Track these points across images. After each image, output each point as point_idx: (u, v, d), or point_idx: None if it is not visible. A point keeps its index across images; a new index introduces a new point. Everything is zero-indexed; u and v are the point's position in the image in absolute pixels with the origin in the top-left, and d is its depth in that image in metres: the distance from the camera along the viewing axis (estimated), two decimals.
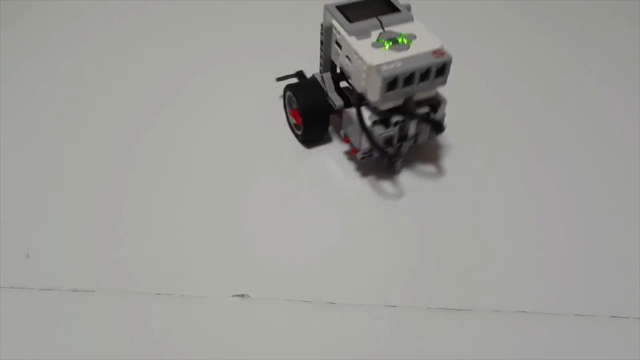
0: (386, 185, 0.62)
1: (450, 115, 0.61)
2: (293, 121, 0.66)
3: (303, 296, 0.52)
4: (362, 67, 0.54)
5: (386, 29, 0.57)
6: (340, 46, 0.58)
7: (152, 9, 0.88)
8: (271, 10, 0.88)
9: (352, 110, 0.57)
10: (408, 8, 0.59)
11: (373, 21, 0.57)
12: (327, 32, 0.58)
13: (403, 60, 0.53)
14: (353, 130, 0.58)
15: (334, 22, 0.57)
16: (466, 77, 0.67)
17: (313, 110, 0.62)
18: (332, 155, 0.65)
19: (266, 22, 0.85)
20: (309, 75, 0.67)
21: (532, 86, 0.76)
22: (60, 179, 0.63)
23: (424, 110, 0.57)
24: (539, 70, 0.78)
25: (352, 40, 0.56)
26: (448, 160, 0.64)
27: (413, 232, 0.58)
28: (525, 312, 0.51)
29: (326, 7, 0.59)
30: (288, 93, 0.65)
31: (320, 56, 0.61)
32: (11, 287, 0.52)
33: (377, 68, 0.52)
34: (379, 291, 0.52)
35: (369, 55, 0.54)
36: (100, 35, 0.84)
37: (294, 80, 0.68)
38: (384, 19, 0.57)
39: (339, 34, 0.57)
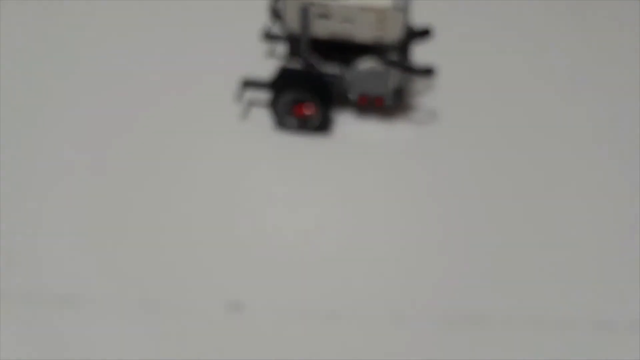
0: (397, 184, 0.61)
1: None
2: (296, 120, 0.63)
3: (302, 306, 0.49)
4: (375, 17, 0.56)
5: None
6: (327, 16, 0.57)
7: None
8: None
9: (368, 63, 0.59)
10: None
11: None
12: (304, 14, 0.57)
13: None
14: (376, 79, 0.60)
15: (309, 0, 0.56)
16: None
17: (325, 89, 0.61)
18: (322, 147, 0.63)
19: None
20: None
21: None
22: (40, 179, 0.60)
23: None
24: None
25: (343, 2, 0.56)
26: (460, 161, 0.63)
27: (419, 235, 0.57)
28: (540, 321, 0.48)
29: None
30: (288, 96, 0.61)
31: (303, 42, 0.59)
32: None
33: (394, 7, 0.56)
34: (386, 299, 0.51)
35: (375, 2, 0.56)
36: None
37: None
38: None
39: (324, 6, 0.57)
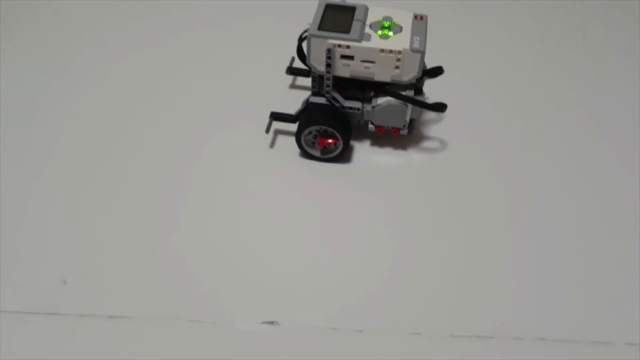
0: (410, 207, 0.64)
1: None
2: (319, 149, 0.67)
3: (329, 323, 0.53)
4: (395, 57, 0.60)
5: (367, 22, 0.62)
6: (351, 57, 0.61)
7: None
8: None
9: (386, 99, 0.63)
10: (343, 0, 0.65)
11: (355, 23, 0.62)
12: (329, 54, 0.60)
13: (412, 33, 0.61)
14: (393, 113, 0.64)
15: (334, 42, 0.60)
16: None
17: (344, 120, 0.65)
18: (340, 169, 0.67)
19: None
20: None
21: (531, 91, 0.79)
22: (93, 205, 0.62)
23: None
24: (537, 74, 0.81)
25: (365, 44, 0.60)
26: (469, 187, 0.67)
27: (430, 255, 0.60)
28: (544, 339, 0.51)
29: (312, 35, 0.60)
30: (307, 132, 0.65)
31: (327, 79, 0.62)
32: (48, 314, 0.53)
33: (411, 49, 0.60)
34: (402, 317, 0.55)
35: (394, 44, 0.60)
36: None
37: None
38: (357, 17, 0.62)
39: (347, 47, 0.60)
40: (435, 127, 0.71)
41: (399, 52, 0.59)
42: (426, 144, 0.69)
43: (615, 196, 0.65)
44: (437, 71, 0.65)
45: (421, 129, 0.71)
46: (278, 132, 0.70)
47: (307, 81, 0.72)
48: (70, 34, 0.85)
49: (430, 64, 0.65)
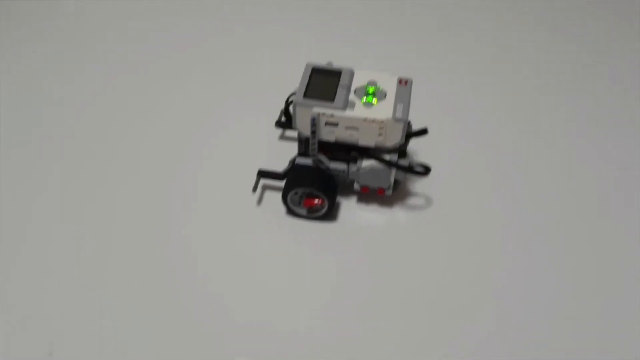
0: (395, 265, 0.65)
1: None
2: (305, 210, 0.67)
3: None
4: (378, 126, 0.60)
5: (352, 88, 0.63)
6: (335, 124, 0.61)
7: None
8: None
9: (371, 162, 0.64)
10: (330, 63, 0.66)
11: (340, 90, 0.62)
12: (313, 122, 0.61)
13: (396, 101, 0.62)
14: (377, 176, 0.64)
15: (319, 110, 0.61)
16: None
17: (330, 182, 0.65)
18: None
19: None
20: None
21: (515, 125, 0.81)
22: (82, 272, 0.62)
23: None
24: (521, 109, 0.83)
25: (349, 113, 0.61)
26: (452, 246, 0.67)
27: (416, 317, 0.61)
28: None
29: (297, 104, 0.61)
30: (294, 192, 0.66)
31: (313, 143, 0.63)
32: None
33: (394, 119, 0.60)
34: None
35: (377, 113, 0.61)
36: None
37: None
38: (342, 83, 0.63)
39: (332, 115, 0.61)
40: (421, 184, 0.72)
41: (382, 122, 0.60)
42: (412, 201, 0.70)
43: (614, 256, 0.65)
44: (421, 132, 0.66)
45: (407, 184, 0.71)
46: (266, 187, 0.71)
47: (296, 133, 0.72)
48: (72, 40, 0.87)
49: (418, 115, 0.66)
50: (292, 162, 0.67)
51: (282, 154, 0.74)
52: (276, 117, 0.77)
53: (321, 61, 0.82)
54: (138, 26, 0.96)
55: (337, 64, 0.67)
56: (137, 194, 0.70)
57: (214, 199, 0.70)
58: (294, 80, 0.68)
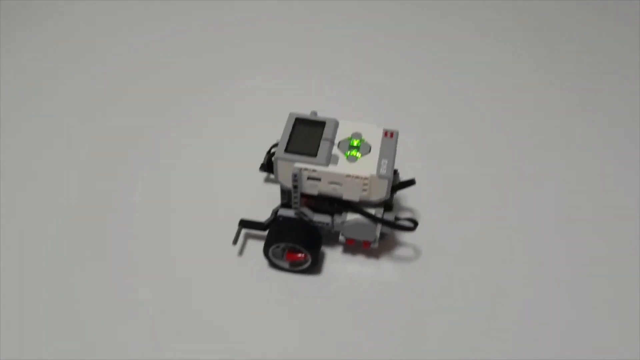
0: (380, 320, 0.62)
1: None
2: (288, 263, 0.65)
3: None
4: (362, 182, 0.58)
5: (336, 141, 0.61)
6: (318, 179, 0.59)
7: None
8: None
9: (356, 216, 0.61)
10: (314, 113, 0.64)
11: (324, 143, 0.60)
12: (295, 177, 0.58)
13: (381, 155, 0.59)
14: (362, 230, 0.62)
15: (300, 165, 0.58)
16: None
17: (313, 236, 0.63)
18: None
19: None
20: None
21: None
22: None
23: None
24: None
25: (332, 169, 0.58)
26: (439, 301, 0.64)
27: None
28: None
29: (278, 158, 0.59)
30: (275, 246, 0.63)
31: (295, 197, 0.61)
32: None
33: (378, 175, 0.58)
34: None
35: (361, 169, 0.58)
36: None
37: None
38: (325, 135, 0.60)
39: (314, 171, 0.58)
40: (409, 234, 0.69)
41: (365, 178, 0.57)
42: (400, 252, 0.67)
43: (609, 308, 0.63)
44: (408, 183, 0.64)
45: (395, 234, 0.69)
46: (249, 236, 0.68)
47: None
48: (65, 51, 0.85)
49: (405, 163, 0.63)
50: (275, 213, 0.64)
51: (267, 198, 0.71)
52: (261, 160, 0.75)
53: (306, 109, 0.80)
54: (111, 73, 0.94)
55: (322, 113, 0.65)
56: (101, 250, 0.67)
57: (192, 248, 0.67)
58: (279, 125, 0.66)
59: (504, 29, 1.03)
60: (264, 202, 0.70)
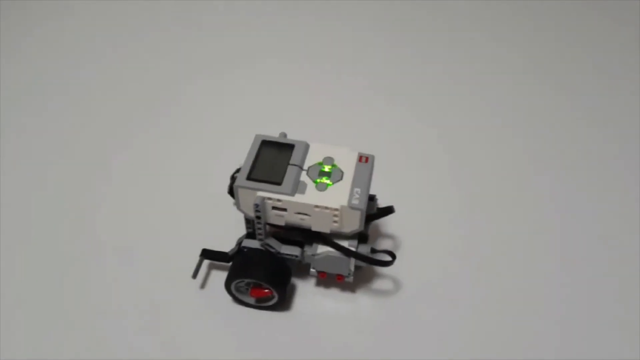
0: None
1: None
2: (253, 299, 0.59)
3: None
4: (332, 213, 0.52)
5: (305, 166, 0.55)
6: (284, 209, 0.53)
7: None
8: None
9: (327, 249, 0.56)
10: (284, 135, 0.58)
11: (291, 169, 0.54)
12: (257, 207, 0.52)
13: (353, 184, 0.53)
14: (334, 263, 0.56)
15: (263, 194, 0.52)
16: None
17: (281, 271, 0.57)
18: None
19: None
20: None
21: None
22: None
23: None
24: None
25: (298, 198, 0.52)
26: (421, 331, 0.58)
27: None
28: None
29: (239, 187, 0.53)
30: (238, 281, 0.57)
31: (259, 228, 0.55)
32: None
33: (350, 206, 0.52)
34: None
35: (331, 199, 0.52)
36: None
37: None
38: (293, 160, 0.54)
39: (279, 200, 0.52)
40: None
41: (336, 209, 0.51)
42: (377, 284, 0.61)
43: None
44: (386, 212, 0.58)
45: (371, 266, 0.63)
46: (212, 267, 0.62)
47: None
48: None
49: (383, 188, 0.58)
50: (239, 244, 0.58)
51: (239, 222, 0.65)
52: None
53: (289, 130, 0.74)
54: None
55: (296, 135, 0.59)
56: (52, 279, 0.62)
57: (149, 280, 0.61)
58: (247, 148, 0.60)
59: (494, 37, 0.98)
60: (235, 227, 0.64)
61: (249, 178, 0.52)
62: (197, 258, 0.62)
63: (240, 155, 0.62)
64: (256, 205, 0.51)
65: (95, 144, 0.77)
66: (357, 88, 0.87)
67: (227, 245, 0.62)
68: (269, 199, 0.52)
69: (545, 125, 0.81)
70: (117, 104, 0.83)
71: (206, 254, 0.60)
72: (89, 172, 0.73)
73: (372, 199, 0.60)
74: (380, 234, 0.66)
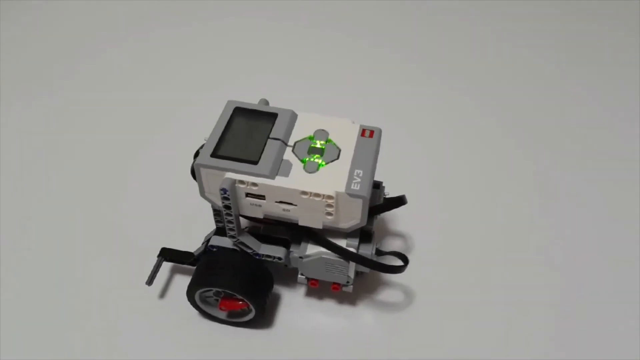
0: None
1: None
2: (224, 313, 0.47)
3: None
4: (325, 203, 0.39)
5: (290, 142, 0.41)
6: (261, 197, 0.40)
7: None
8: None
9: (318, 250, 0.43)
10: (265, 102, 0.45)
11: (271, 144, 0.41)
12: (225, 193, 0.39)
13: (354, 163, 0.40)
14: (329, 268, 0.43)
15: (233, 176, 0.39)
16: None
17: (262, 277, 0.44)
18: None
19: None
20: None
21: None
22: None
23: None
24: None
25: (280, 182, 0.39)
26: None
27: None
28: None
29: (200, 165, 0.39)
30: (204, 290, 0.44)
31: (229, 221, 0.42)
32: None
33: (349, 192, 0.38)
34: None
35: (322, 184, 0.39)
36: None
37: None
38: (275, 133, 0.41)
39: (254, 185, 0.39)
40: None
41: (330, 197, 0.38)
42: (383, 295, 0.48)
43: None
44: (397, 203, 0.45)
45: (376, 273, 0.50)
46: (175, 270, 0.50)
47: None
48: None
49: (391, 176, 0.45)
50: (206, 243, 0.45)
51: (207, 217, 0.53)
52: None
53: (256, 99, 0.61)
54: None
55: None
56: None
57: (96, 287, 0.48)
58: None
59: (499, 29, 0.84)
60: (202, 219, 0.52)
61: (214, 155, 0.39)
62: (154, 259, 0.49)
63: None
64: (223, 191, 0.38)
65: (50, 120, 0.64)
66: (370, 61, 0.74)
67: (195, 244, 0.50)
68: (241, 182, 0.39)
69: (569, 121, 0.68)
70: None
71: (166, 254, 0.47)
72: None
73: (377, 186, 0.47)
74: (387, 232, 0.53)
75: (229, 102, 0.43)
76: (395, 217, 0.54)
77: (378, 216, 0.47)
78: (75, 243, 0.51)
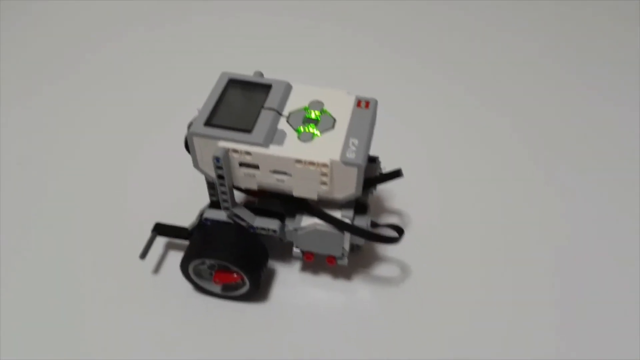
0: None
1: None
2: (220, 286, 0.46)
3: None
4: (319, 171, 0.39)
5: (284, 112, 0.41)
6: (254, 166, 0.40)
7: None
8: None
9: (313, 222, 0.42)
10: (259, 74, 0.44)
11: (265, 114, 0.40)
12: (218, 162, 0.39)
13: (349, 132, 0.40)
14: (324, 240, 0.43)
15: (226, 144, 0.39)
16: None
17: (253, 250, 0.44)
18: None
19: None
20: None
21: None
22: None
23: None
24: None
25: (274, 150, 0.39)
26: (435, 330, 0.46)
27: None
28: None
29: (194, 134, 0.39)
30: (199, 262, 0.44)
31: (223, 192, 0.41)
32: None
33: (343, 161, 0.38)
34: None
35: (317, 153, 0.39)
36: None
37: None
38: (269, 103, 0.41)
39: (247, 153, 0.39)
40: (394, 245, 0.50)
41: (324, 165, 0.38)
42: (380, 270, 0.48)
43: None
44: (393, 175, 0.44)
45: (373, 244, 0.50)
46: (169, 246, 0.49)
47: None
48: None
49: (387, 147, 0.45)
50: (200, 216, 0.45)
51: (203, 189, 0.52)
52: None
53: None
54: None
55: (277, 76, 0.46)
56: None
57: (93, 262, 0.48)
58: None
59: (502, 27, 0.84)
60: (197, 195, 0.51)
61: (207, 124, 0.39)
62: (148, 234, 0.48)
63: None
64: (217, 160, 0.38)
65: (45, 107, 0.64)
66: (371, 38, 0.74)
67: (188, 218, 0.50)
68: (235, 151, 0.38)
69: (572, 119, 0.68)
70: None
71: (160, 228, 0.47)
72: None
73: (373, 160, 0.47)
74: (382, 208, 0.53)
75: (223, 73, 0.43)
76: (390, 193, 0.54)
77: (374, 191, 0.46)
78: (75, 243, 0.50)
